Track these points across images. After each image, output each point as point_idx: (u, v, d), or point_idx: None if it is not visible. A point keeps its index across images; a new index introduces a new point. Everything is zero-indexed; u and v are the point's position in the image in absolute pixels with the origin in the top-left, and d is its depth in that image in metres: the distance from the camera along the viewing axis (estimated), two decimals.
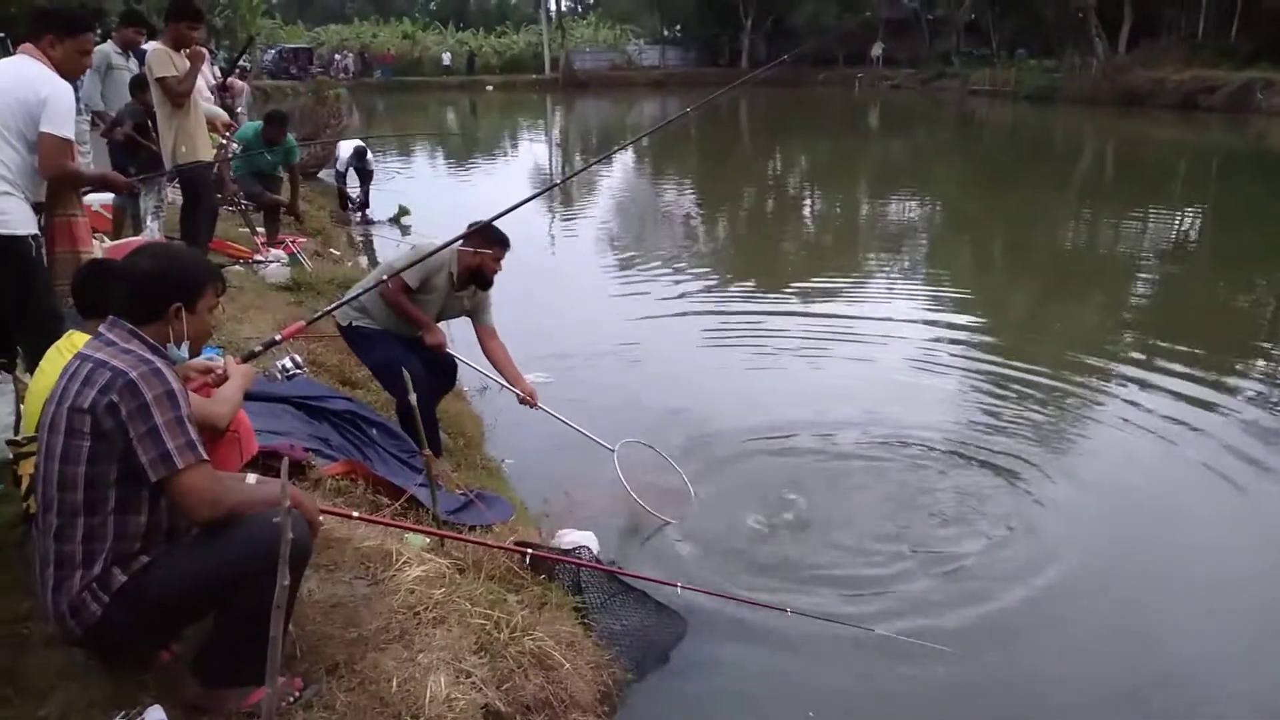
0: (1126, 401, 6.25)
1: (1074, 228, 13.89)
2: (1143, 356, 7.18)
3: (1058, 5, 37.61)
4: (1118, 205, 15.32)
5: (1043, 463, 5.33)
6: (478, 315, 4.87)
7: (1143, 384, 6.55)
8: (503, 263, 4.67)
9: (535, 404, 4.85)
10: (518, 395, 4.83)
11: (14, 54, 4.06)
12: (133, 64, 7.62)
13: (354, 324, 4.65)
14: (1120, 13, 36.06)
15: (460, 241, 4.38)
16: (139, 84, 7.06)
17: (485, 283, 4.71)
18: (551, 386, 6.01)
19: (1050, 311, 9.02)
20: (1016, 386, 6.52)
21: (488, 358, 4.87)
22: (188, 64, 6.07)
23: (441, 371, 4.92)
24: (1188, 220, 13.94)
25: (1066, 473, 5.23)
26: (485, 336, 4.85)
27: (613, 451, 4.88)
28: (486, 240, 4.54)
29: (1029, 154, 23.30)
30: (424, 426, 3.88)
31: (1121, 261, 11.32)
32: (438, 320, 4.81)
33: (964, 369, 6.96)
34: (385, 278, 4.45)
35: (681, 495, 4.88)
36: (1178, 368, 6.82)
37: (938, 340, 7.70)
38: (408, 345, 4.66)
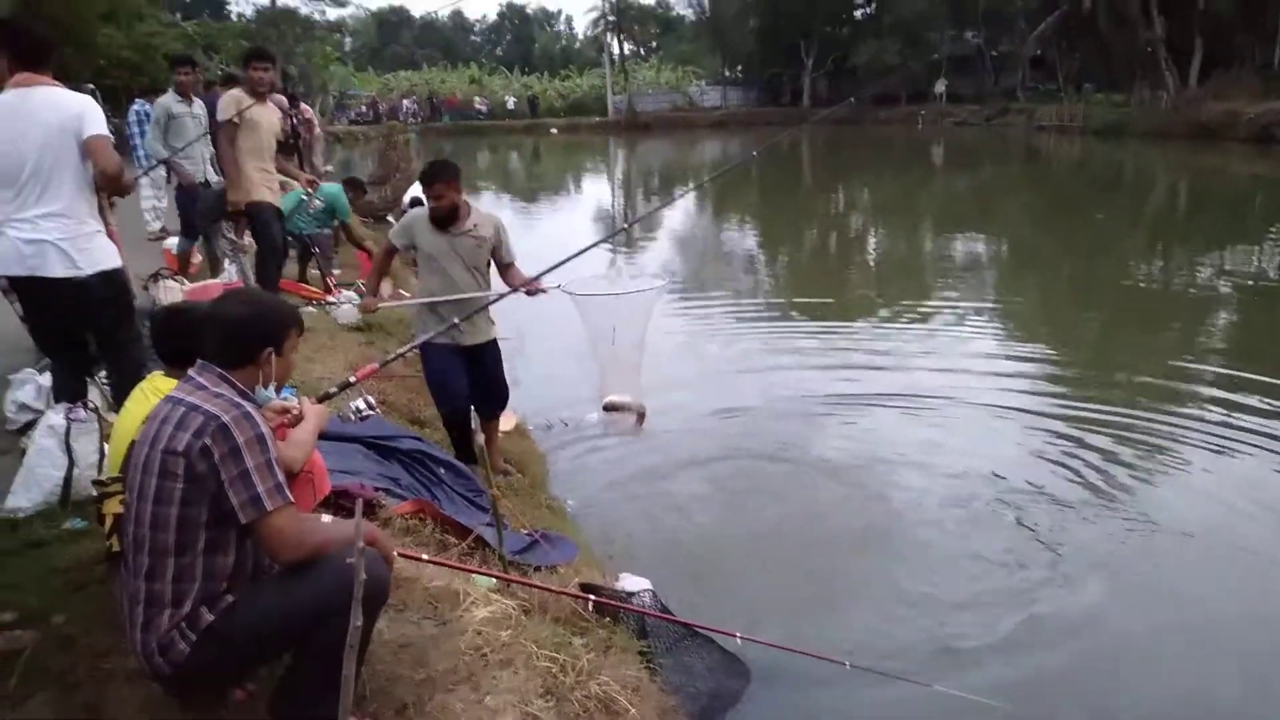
0: (1205, 444, 6.04)
1: (1149, 263, 13.58)
2: (1223, 396, 6.93)
3: (1126, 38, 37.02)
4: (1194, 240, 14.95)
5: (1113, 512, 5.17)
6: (500, 254, 5.02)
7: (1223, 425, 6.32)
8: (457, 187, 4.83)
9: (543, 288, 4.94)
10: (525, 291, 4.95)
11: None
12: (196, 108, 7.85)
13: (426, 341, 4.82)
14: (1191, 44, 35.34)
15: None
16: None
17: (456, 214, 4.85)
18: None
19: (1124, 348, 8.78)
20: (1089, 428, 6.34)
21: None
22: (250, 103, 6.26)
23: (488, 394, 5.09)
24: (1267, 255, 13.52)
25: (1138, 522, 5.06)
26: (504, 270, 5.08)
27: None
28: (439, 180, 4.77)
29: (1100, 189, 22.84)
30: (458, 434, 4.50)
31: (1199, 296, 11.01)
32: (472, 265, 4.93)
33: (1035, 411, 6.77)
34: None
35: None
36: (1260, 407, 6.59)
37: (1008, 379, 7.55)
38: (463, 363, 4.92)
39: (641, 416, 5.36)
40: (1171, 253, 14.47)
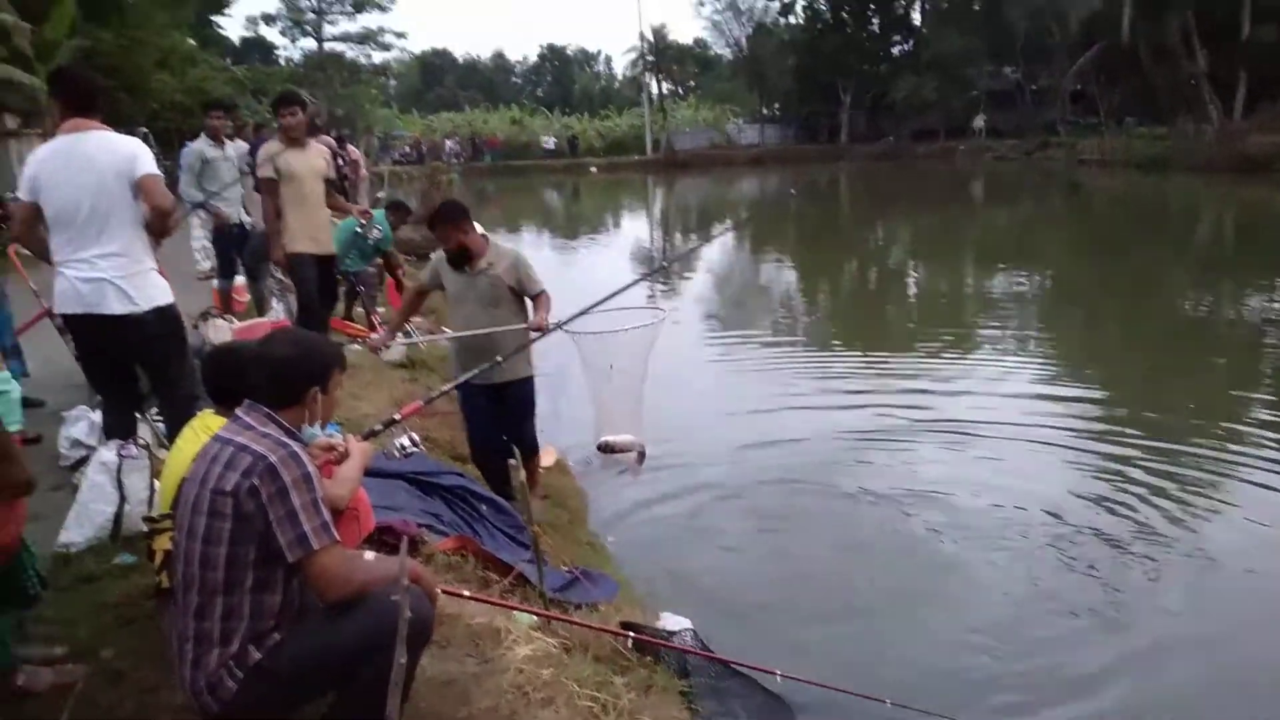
0: (1265, 476, 5.90)
1: (1196, 296, 13.34)
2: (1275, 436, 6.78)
3: (1167, 72, 36.67)
4: (1241, 273, 14.69)
5: (1170, 549, 5.05)
6: (523, 288, 4.99)
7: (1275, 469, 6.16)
8: (471, 226, 4.90)
9: (546, 328, 4.84)
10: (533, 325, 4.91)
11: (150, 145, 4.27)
12: (228, 151, 7.95)
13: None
14: (1234, 77, 34.95)
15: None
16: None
17: (468, 255, 4.91)
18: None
19: (1174, 381, 8.60)
20: (1142, 461, 6.22)
21: None
22: (280, 150, 6.28)
23: (514, 436, 4.95)
24: None
25: (1198, 559, 4.95)
26: (534, 302, 5.06)
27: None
28: (443, 222, 4.86)
29: (1144, 222, 22.54)
30: (490, 470, 4.64)
31: (1249, 330, 10.80)
32: (490, 304, 4.94)
33: (1085, 442, 6.67)
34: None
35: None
36: None
37: (1057, 405, 7.47)
38: (488, 402, 4.97)
39: (641, 455, 5.28)
40: (1220, 286, 14.20)
